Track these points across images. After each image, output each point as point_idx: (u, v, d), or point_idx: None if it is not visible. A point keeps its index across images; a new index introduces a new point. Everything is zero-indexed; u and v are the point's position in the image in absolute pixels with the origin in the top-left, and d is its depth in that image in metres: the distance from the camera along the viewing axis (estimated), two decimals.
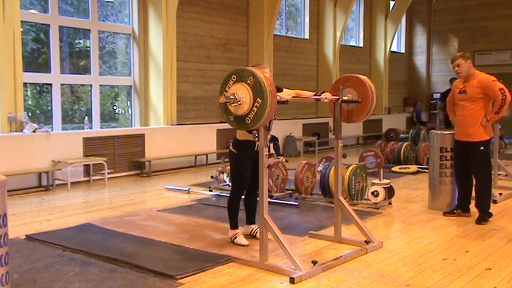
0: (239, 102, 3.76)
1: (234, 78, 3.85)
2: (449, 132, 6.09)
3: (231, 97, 3.77)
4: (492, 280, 3.82)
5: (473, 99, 5.48)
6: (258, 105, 3.70)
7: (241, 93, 3.76)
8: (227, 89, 3.87)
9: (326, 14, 14.10)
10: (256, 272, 3.97)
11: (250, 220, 4.94)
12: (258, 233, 4.73)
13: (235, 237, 4.69)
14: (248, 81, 3.74)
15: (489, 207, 5.64)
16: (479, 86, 5.44)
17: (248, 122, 3.78)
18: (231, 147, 4.68)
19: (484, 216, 5.56)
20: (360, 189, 6.44)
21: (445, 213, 5.89)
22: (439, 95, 16.86)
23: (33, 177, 7.72)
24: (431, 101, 17.35)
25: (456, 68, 5.53)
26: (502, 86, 5.40)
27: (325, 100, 4.52)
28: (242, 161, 4.58)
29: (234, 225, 4.75)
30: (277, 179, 6.77)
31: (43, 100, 9.04)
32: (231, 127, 4.11)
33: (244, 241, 4.64)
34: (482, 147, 5.49)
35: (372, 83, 4.77)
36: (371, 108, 4.72)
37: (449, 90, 11.65)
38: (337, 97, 4.65)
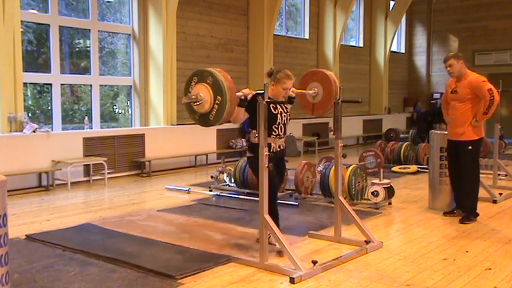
0: (201, 102, 3.96)
1: (195, 79, 4.06)
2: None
3: (193, 97, 3.98)
4: (492, 280, 3.82)
5: (463, 100, 5.51)
6: (218, 102, 3.90)
7: (203, 92, 3.96)
8: (190, 90, 4.06)
9: (326, 14, 14.10)
10: (256, 272, 3.97)
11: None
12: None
13: (269, 236, 4.27)
14: (208, 81, 3.95)
15: (475, 208, 5.64)
16: (469, 86, 5.47)
17: (211, 118, 3.99)
18: (247, 154, 4.60)
19: (469, 215, 5.57)
20: (360, 189, 6.44)
21: (445, 213, 5.90)
22: (438, 95, 16.94)
23: (33, 177, 7.72)
24: (431, 101, 17.35)
25: (448, 68, 5.57)
26: (491, 86, 5.41)
27: (293, 94, 4.64)
28: None
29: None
30: None
31: (43, 100, 9.04)
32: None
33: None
34: (470, 147, 5.51)
35: (336, 78, 4.99)
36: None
37: (429, 111, 12.37)
38: (304, 91, 4.89)
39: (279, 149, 4.54)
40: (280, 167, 4.73)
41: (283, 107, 4.55)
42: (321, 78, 4.96)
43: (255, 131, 4.36)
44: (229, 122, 4.34)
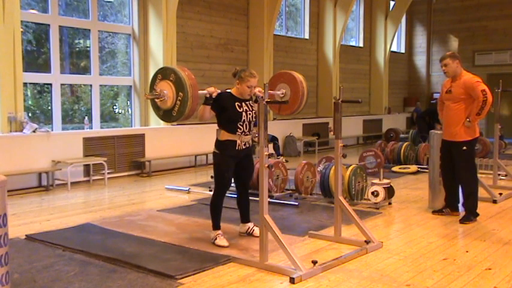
0: (163, 98, 4.15)
1: (159, 76, 4.24)
2: None
3: (156, 93, 4.16)
4: (492, 280, 3.82)
5: (456, 100, 5.52)
6: (180, 99, 4.08)
7: (166, 89, 4.14)
8: (155, 87, 4.23)
9: (326, 14, 14.10)
10: (256, 272, 3.97)
11: (245, 218, 4.94)
12: (254, 231, 4.81)
13: (216, 238, 4.64)
14: (171, 78, 4.12)
15: (476, 208, 5.63)
16: (463, 86, 5.48)
17: (174, 114, 4.18)
18: (214, 149, 4.72)
19: (469, 216, 5.57)
20: (360, 189, 6.44)
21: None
22: (438, 95, 16.93)
23: (33, 177, 7.72)
24: (431, 101, 17.35)
25: (443, 68, 5.59)
26: (485, 87, 5.41)
27: (260, 95, 4.64)
28: (224, 161, 4.62)
29: (216, 226, 4.71)
30: (277, 179, 6.77)
31: (43, 100, 9.04)
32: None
33: (224, 242, 4.60)
34: (464, 147, 5.51)
35: (303, 79, 5.11)
36: (301, 102, 5.12)
37: (426, 110, 12.61)
38: (272, 91, 5.03)
39: (244, 147, 4.63)
40: (247, 164, 4.80)
41: (249, 106, 4.61)
42: (288, 79, 5.12)
43: (223, 130, 4.56)
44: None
